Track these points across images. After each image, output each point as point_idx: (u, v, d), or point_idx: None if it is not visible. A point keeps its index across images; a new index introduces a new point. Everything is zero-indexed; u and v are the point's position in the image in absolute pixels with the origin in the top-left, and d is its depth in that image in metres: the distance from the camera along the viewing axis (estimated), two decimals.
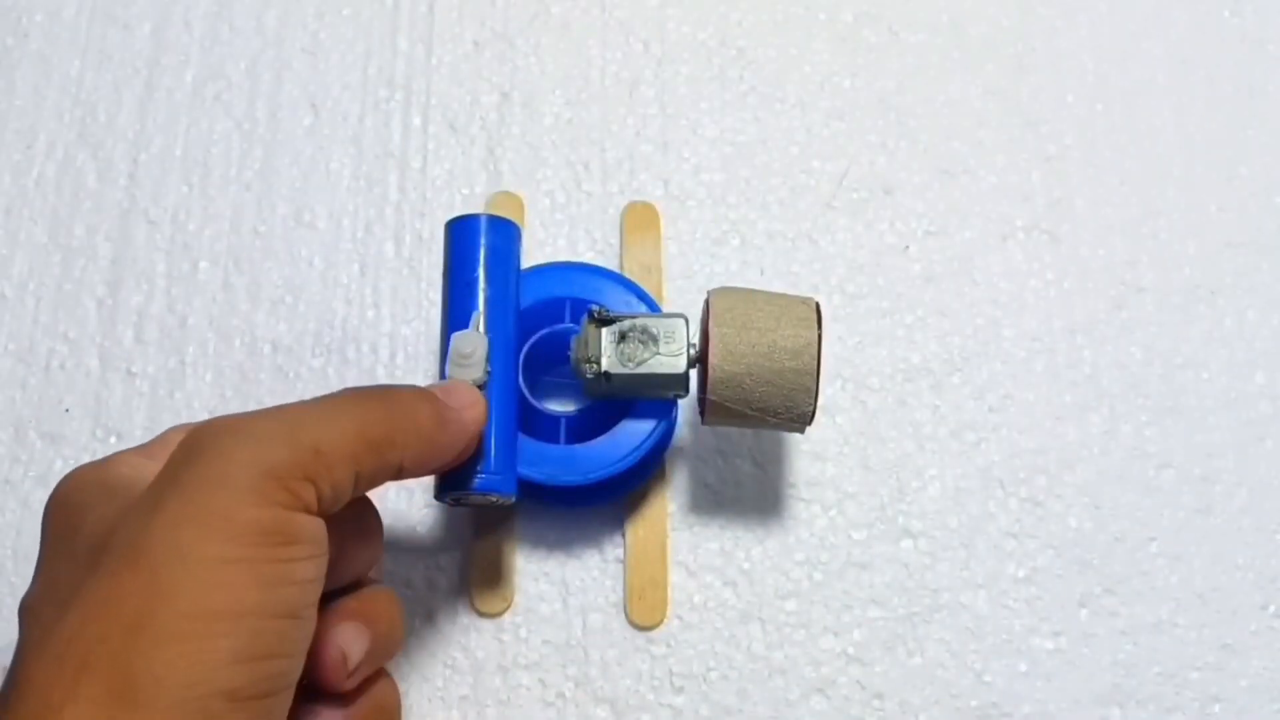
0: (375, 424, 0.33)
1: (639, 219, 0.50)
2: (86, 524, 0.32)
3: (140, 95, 0.53)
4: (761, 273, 0.50)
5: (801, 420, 0.40)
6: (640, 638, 0.43)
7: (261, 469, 0.30)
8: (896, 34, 0.55)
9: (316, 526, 0.31)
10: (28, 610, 0.32)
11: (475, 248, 0.41)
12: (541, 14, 0.54)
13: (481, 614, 0.44)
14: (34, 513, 0.45)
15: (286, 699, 0.30)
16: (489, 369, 0.39)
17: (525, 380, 0.42)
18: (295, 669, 0.31)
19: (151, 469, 0.32)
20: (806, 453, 0.46)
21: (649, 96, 0.53)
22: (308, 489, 0.31)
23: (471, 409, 0.37)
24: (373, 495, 0.46)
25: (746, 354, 0.39)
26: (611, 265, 0.49)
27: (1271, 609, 0.45)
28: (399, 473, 0.35)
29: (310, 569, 0.31)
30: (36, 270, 0.49)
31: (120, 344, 0.48)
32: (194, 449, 0.31)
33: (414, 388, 0.37)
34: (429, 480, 0.44)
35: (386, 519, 0.45)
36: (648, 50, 0.54)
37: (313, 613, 0.31)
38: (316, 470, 0.31)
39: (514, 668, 0.43)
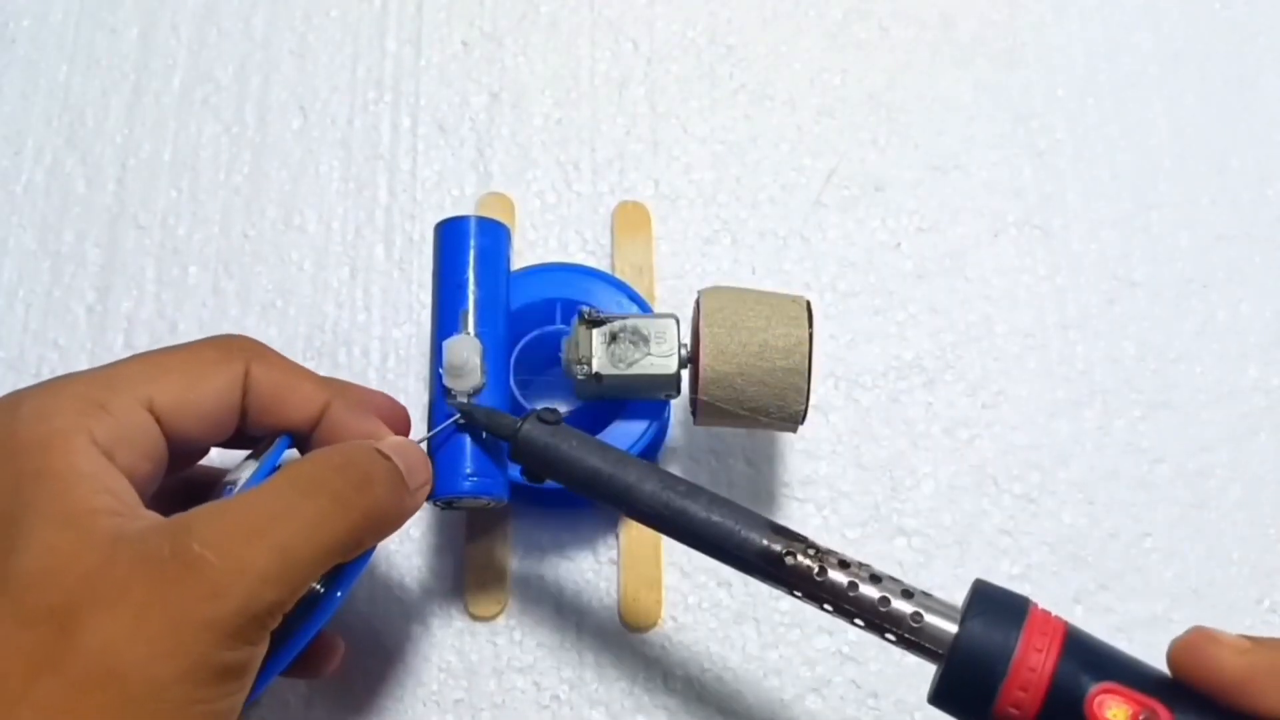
0: (345, 539, 0.32)
1: (630, 219, 0.50)
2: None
3: (128, 99, 0.52)
4: (753, 271, 0.49)
5: (794, 419, 0.40)
6: (635, 639, 0.43)
7: (207, 643, 0.28)
8: (886, 30, 0.54)
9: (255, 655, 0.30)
10: None
11: (465, 249, 0.41)
12: (530, 14, 0.54)
13: (476, 617, 0.44)
14: None
15: None
16: (485, 374, 0.39)
17: (516, 382, 0.42)
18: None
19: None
20: (800, 451, 0.46)
21: (638, 95, 0.52)
22: (260, 634, 0.30)
23: (424, 489, 0.36)
24: None
25: (738, 354, 0.39)
26: (603, 265, 0.48)
27: (1266, 603, 0.45)
28: None
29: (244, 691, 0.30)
30: (25, 277, 0.49)
31: (110, 350, 0.48)
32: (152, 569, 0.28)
33: (388, 466, 0.34)
34: None
35: None
36: (637, 49, 0.53)
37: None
38: (269, 621, 0.30)
39: (508, 671, 0.43)
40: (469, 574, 0.44)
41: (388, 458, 0.34)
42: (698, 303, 0.40)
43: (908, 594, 0.32)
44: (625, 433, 0.42)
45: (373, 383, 0.47)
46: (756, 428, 0.41)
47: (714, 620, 0.44)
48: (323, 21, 0.54)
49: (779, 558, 0.33)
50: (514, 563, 0.44)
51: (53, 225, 0.50)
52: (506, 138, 0.52)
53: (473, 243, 0.41)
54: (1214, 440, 0.47)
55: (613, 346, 0.40)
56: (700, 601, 0.44)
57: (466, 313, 0.40)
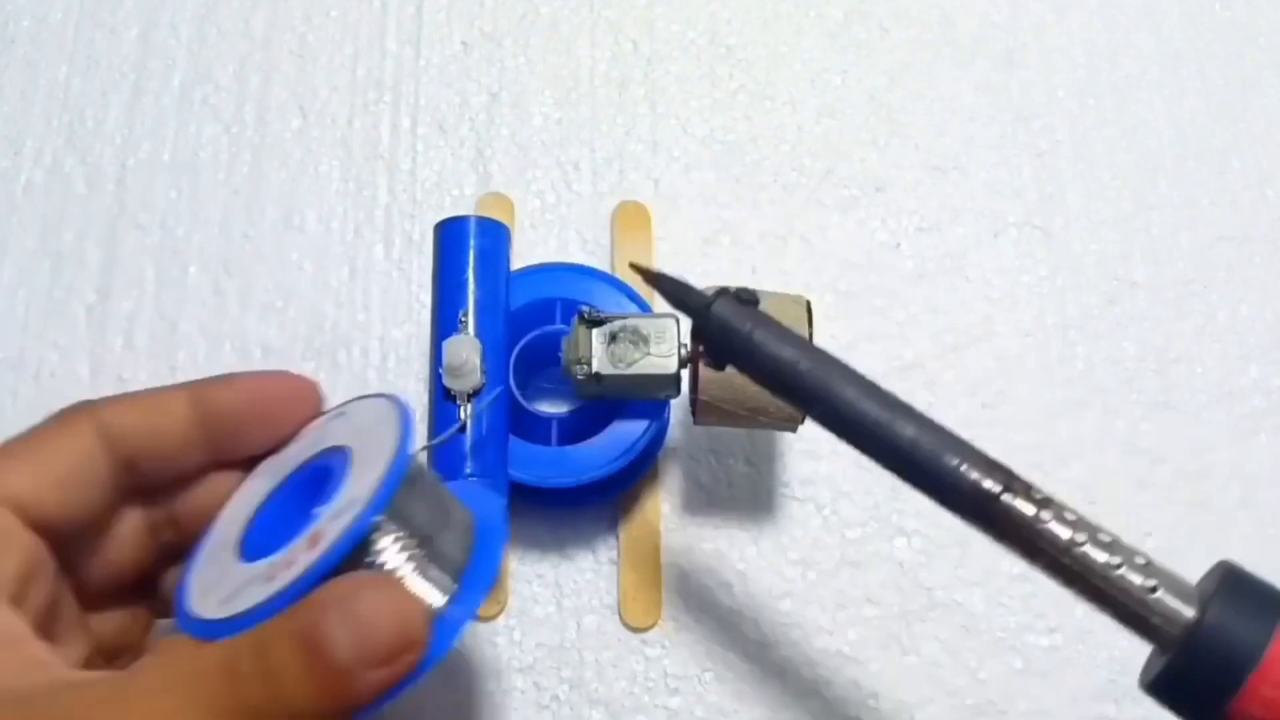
0: None
1: (630, 219, 0.49)
2: None
3: (128, 99, 0.52)
4: (753, 271, 0.49)
5: (794, 419, 0.40)
6: (635, 639, 0.43)
7: None
8: (887, 30, 0.54)
9: None
10: None
11: (465, 250, 0.41)
12: (530, 14, 0.54)
13: (476, 618, 0.43)
14: None
15: None
16: (485, 375, 0.39)
17: (516, 382, 0.42)
18: None
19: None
20: (800, 451, 0.46)
21: (638, 95, 0.52)
22: None
23: (391, 664, 0.27)
24: None
25: None
26: (603, 265, 0.48)
27: None
28: None
29: None
30: (25, 277, 0.49)
31: (110, 351, 0.48)
32: None
33: (302, 624, 0.26)
34: None
35: None
36: (637, 49, 0.53)
37: None
38: None
39: (508, 671, 0.43)
40: None
41: (311, 639, 0.26)
42: None
43: (1142, 563, 0.28)
44: (625, 433, 0.42)
45: (372, 383, 0.47)
46: (757, 427, 0.41)
47: (714, 620, 0.44)
48: (322, 22, 0.54)
49: (994, 496, 0.29)
50: (513, 562, 0.44)
51: (53, 225, 0.50)
52: (506, 138, 0.52)
53: (473, 243, 0.41)
54: (1214, 441, 0.47)
55: (613, 346, 0.40)
56: (700, 601, 0.44)
57: (466, 313, 0.40)
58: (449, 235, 0.41)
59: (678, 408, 0.46)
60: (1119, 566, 0.28)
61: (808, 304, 0.40)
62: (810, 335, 0.39)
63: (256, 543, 0.30)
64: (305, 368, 0.47)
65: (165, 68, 0.53)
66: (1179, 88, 0.54)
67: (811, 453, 0.46)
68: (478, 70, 0.53)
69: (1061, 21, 0.55)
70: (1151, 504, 0.46)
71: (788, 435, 0.46)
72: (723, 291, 0.33)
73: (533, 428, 0.42)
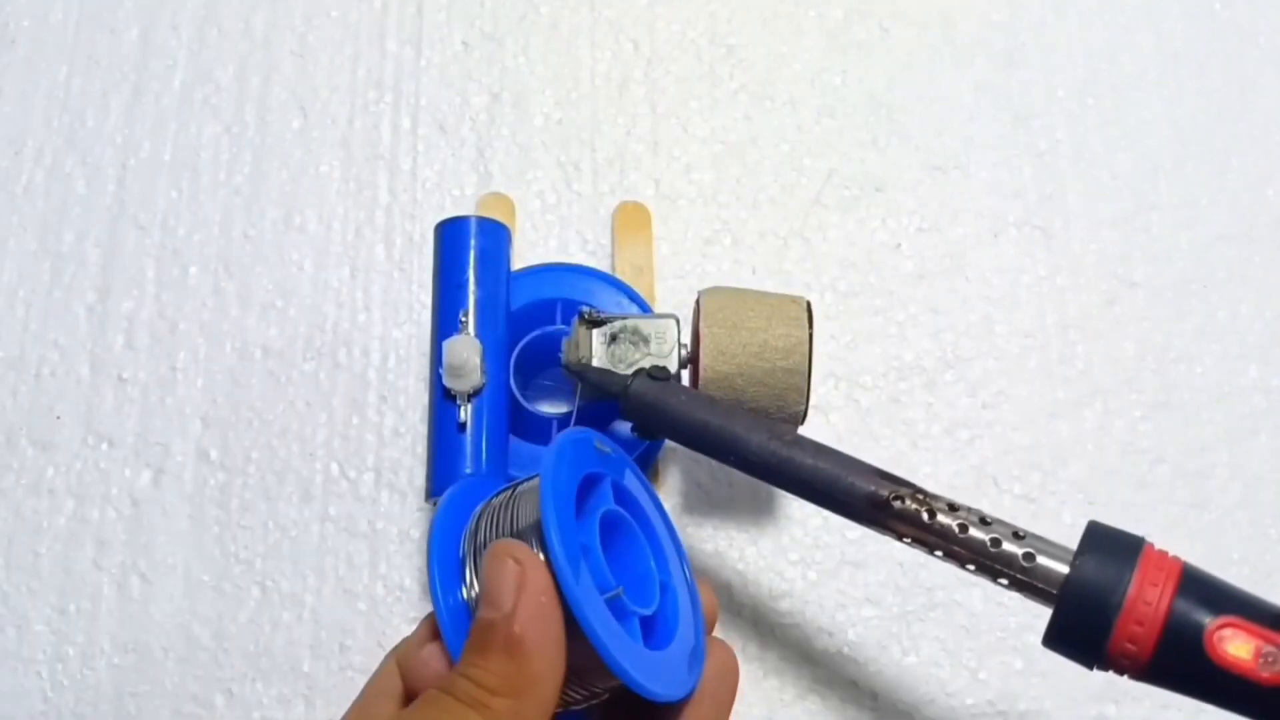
0: None
1: (630, 219, 0.50)
2: None
3: (128, 100, 0.52)
4: (753, 272, 0.49)
5: (794, 420, 0.40)
6: None
7: None
8: (887, 30, 0.54)
9: None
10: None
11: (465, 250, 0.41)
12: (530, 14, 0.54)
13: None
14: (26, 521, 0.45)
15: None
16: (485, 375, 0.39)
17: (516, 382, 0.42)
18: None
19: None
20: None
21: (639, 96, 0.53)
22: None
23: (526, 588, 0.30)
24: (364, 502, 0.46)
25: (738, 354, 0.39)
26: (603, 266, 0.48)
27: None
28: None
29: None
30: (26, 277, 0.49)
31: (111, 350, 0.48)
32: None
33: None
34: (421, 482, 0.44)
35: (379, 521, 0.45)
36: (637, 49, 0.53)
37: None
38: None
39: None
40: None
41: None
42: (698, 303, 0.40)
43: (1018, 535, 0.32)
44: (625, 433, 0.42)
45: (372, 383, 0.47)
46: None
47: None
48: (323, 22, 0.54)
49: (885, 502, 0.33)
50: None
51: (53, 225, 0.50)
52: (507, 138, 0.52)
53: (473, 243, 0.41)
54: (1214, 440, 0.47)
55: (613, 346, 0.40)
56: None
57: (466, 313, 0.40)
58: (449, 235, 0.42)
59: None
60: (1000, 542, 0.32)
61: (807, 304, 0.40)
62: (810, 335, 0.39)
63: None
64: (306, 368, 0.47)
65: (166, 68, 0.53)
66: (1179, 87, 0.54)
67: None
68: (478, 70, 0.53)
69: (1061, 21, 0.55)
70: (1151, 504, 0.46)
71: None
72: (638, 373, 0.38)
73: (533, 428, 0.42)
